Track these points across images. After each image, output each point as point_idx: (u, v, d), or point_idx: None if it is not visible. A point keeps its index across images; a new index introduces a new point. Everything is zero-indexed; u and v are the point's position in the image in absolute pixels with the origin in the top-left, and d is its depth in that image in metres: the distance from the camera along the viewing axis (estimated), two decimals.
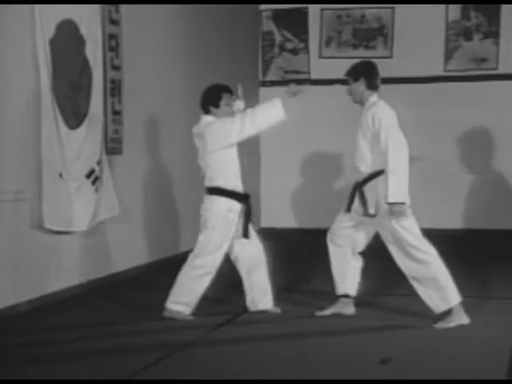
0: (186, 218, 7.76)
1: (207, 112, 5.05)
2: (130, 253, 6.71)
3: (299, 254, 7.73)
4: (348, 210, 4.95)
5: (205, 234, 5.00)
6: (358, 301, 5.16)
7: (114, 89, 6.43)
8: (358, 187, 4.90)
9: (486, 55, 8.98)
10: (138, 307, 5.48)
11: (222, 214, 4.95)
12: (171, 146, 7.48)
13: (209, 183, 5.03)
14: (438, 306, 4.82)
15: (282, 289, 5.80)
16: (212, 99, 5.01)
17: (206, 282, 5.01)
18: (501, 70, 8.90)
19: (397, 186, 4.72)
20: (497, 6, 8.86)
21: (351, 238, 5.00)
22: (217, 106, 5.00)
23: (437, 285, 4.79)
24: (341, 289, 5.06)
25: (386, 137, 4.75)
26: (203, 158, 5.04)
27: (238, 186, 5.03)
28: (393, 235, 4.83)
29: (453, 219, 8.92)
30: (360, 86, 4.93)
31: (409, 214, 4.80)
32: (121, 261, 6.56)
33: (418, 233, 4.83)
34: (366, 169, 4.88)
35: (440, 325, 4.79)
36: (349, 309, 5.09)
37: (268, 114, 4.90)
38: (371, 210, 4.84)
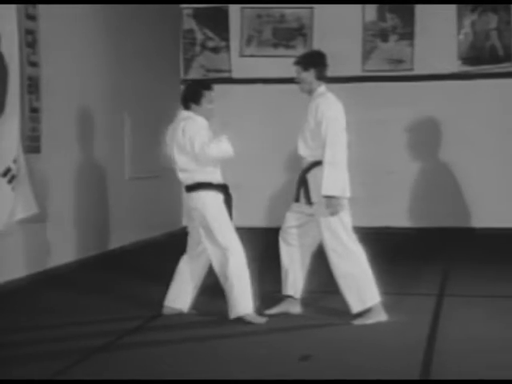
0: (111, 215, 7.69)
1: (187, 108, 5.01)
2: (51, 252, 6.61)
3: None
4: (297, 199, 4.96)
5: (218, 226, 4.90)
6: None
7: (31, 86, 6.30)
8: (302, 175, 4.94)
9: (402, 56, 9.20)
10: (57, 309, 5.40)
11: (214, 205, 4.93)
12: (92, 144, 7.40)
13: (191, 180, 4.96)
14: (354, 306, 4.87)
15: (204, 289, 5.83)
16: (193, 96, 4.99)
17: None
18: (416, 71, 9.13)
19: (332, 179, 4.76)
20: (411, 7, 9.09)
21: (302, 236, 5.02)
22: (198, 103, 4.97)
23: (357, 284, 4.84)
24: (288, 289, 5.06)
25: (326, 129, 4.79)
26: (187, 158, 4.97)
27: (217, 178, 4.99)
28: (328, 226, 4.86)
29: (375, 217, 9.07)
30: (309, 76, 4.95)
31: (346, 208, 4.84)
32: (40, 260, 6.45)
33: (350, 229, 4.88)
34: (308, 157, 4.92)
35: (358, 321, 4.86)
36: (295, 308, 5.09)
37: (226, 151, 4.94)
38: (314, 199, 4.87)
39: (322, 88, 4.97)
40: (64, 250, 6.86)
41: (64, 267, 6.75)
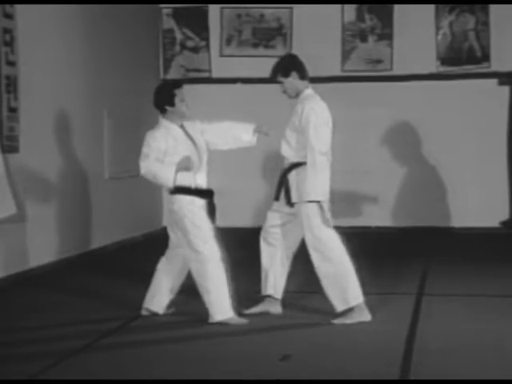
0: (91, 215, 7.65)
1: (163, 112, 4.94)
2: (30, 252, 6.56)
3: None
4: (277, 198, 4.95)
5: (193, 230, 4.85)
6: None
7: (9, 85, 6.26)
8: (283, 175, 4.93)
9: (381, 56, 9.24)
10: (37, 310, 5.37)
11: (190, 209, 4.87)
12: (72, 143, 7.36)
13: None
14: (337, 306, 4.87)
15: (183, 290, 5.83)
16: (165, 98, 4.90)
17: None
18: (395, 71, 9.18)
19: (313, 185, 4.76)
20: (390, 8, 9.13)
21: (283, 237, 5.00)
22: (172, 104, 4.90)
23: (339, 283, 4.83)
24: (268, 289, 5.05)
25: (310, 134, 4.77)
26: None
27: (198, 183, 4.91)
28: (309, 226, 4.84)
29: (355, 217, 9.09)
30: (293, 80, 4.92)
31: (325, 209, 4.83)
32: (20, 261, 6.41)
33: (331, 229, 4.86)
34: (291, 157, 4.91)
35: (338, 320, 4.86)
36: (276, 308, 5.08)
37: (162, 179, 4.86)
38: (294, 199, 4.87)
39: (309, 90, 4.96)
40: (44, 250, 6.82)
41: (44, 268, 6.71)
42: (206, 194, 4.95)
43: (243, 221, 8.99)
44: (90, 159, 7.77)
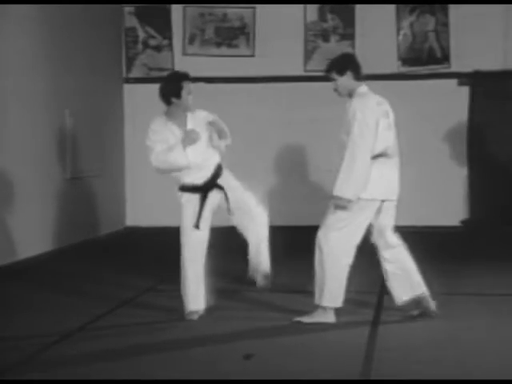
0: (51, 215, 7.59)
1: (169, 103, 4.94)
2: None
3: (164, 253, 7.71)
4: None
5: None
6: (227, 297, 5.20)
7: None
8: None
9: None
10: None
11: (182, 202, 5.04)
12: (32, 142, 7.28)
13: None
14: (316, 298, 4.83)
15: (148, 289, 5.81)
16: (173, 90, 4.91)
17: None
18: None
19: (346, 182, 4.69)
20: (351, 8, 9.20)
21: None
22: (178, 96, 4.91)
23: (323, 281, 4.79)
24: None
25: (354, 131, 4.71)
26: None
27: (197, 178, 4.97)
28: (324, 222, 4.83)
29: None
30: (347, 80, 4.87)
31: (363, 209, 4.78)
32: None
33: (355, 232, 4.82)
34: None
35: (298, 318, 4.86)
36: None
37: (174, 162, 4.94)
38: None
39: (363, 88, 4.88)
40: (2, 251, 6.75)
41: (3, 268, 6.64)
42: (201, 189, 4.97)
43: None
44: (52, 158, 7.70)
